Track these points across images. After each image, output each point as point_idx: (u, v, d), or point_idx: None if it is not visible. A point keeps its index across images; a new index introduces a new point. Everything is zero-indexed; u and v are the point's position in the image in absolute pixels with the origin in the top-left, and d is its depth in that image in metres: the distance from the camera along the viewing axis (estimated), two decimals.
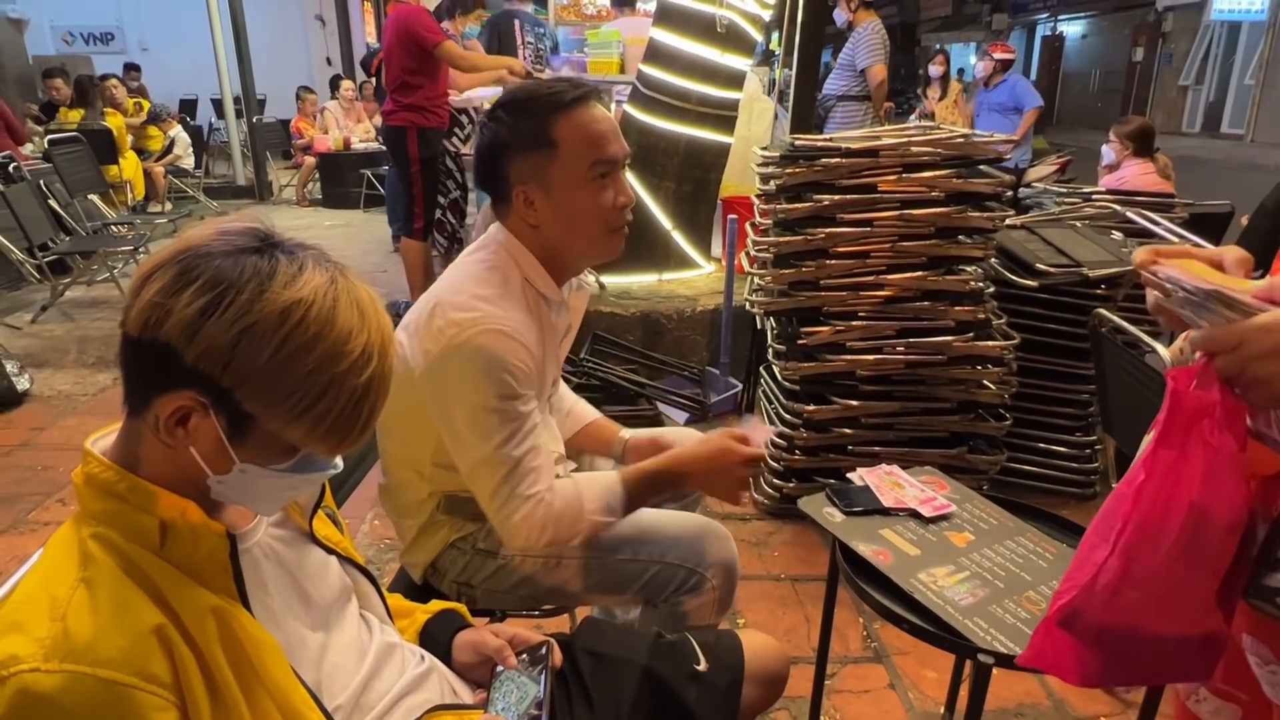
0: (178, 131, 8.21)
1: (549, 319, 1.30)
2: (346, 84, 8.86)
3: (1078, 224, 2.80)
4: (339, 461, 0.81)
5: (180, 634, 0.69)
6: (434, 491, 1.36)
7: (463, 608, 1.14)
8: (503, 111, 1.24)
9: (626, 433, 1.55)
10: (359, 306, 0.73)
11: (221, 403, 0.70)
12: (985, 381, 2.45)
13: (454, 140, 4.75)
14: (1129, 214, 2.77)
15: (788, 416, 2.46)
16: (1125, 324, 1.94)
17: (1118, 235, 2.74)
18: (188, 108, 10.45)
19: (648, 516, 1.37)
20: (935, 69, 6.81)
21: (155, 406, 0.70)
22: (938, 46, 9.36)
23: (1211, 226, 3.17)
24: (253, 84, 8.63)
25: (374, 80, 6.88)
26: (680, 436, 1.53)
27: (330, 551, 0.94)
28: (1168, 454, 0.74)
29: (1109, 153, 4.44)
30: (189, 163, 8.31)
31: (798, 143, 2.44)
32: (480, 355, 1.17)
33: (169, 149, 8.06)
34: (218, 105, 9.75)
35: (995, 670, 1.96)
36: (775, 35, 6.27)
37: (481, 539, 1.37)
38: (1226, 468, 0.72)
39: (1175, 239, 2.59)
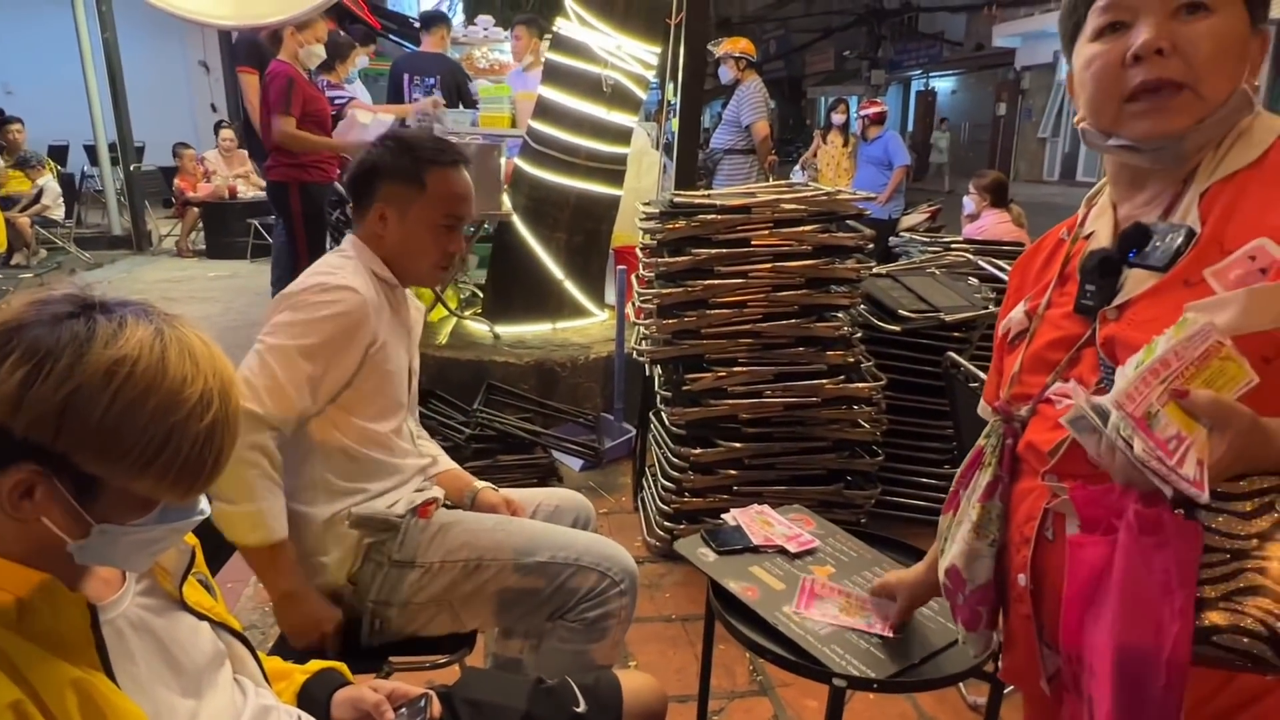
0: (47, 180, 7.78)
1: (396, 303, 1.52)
2: (226, 132, 8.63)
3: (937, 272, 3.04)
4: (205, 507, 0.82)
5: (39, 709, 0.70)
6: (336, 513, 1.43)
7: (342, 666, 1.15)
8: (392, 142, 1.48)
9: (479, 484, 1.68)
10: (191, 354, 0.75)
11: (62, 469, 0.71)
12: (858, 420, 2.61)
13: None
14: (980, 262, 3.02)
15: (676, 460, 2.55)
16: (970, 366, 2.12)
17: (974, 281, 2.98)
18: (58, 154, 9.90)
19: (561, 530, 1.56)
20: (838, 117, 7.24)
21: None
22: (834, 98, 9.94)
23: None
24: (130, 130, 8.27)
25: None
26: (526, 501, 1.67)
27: (202, 617, 0.95)
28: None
29: (969, 203, 4.83)
30: (58, 213, 7.87)
31: (677, 199, 2.58)
32: (312, 293, 1.37)
33: (36, 198, 7.62)
34: (91, 151, 9.29)
35: (871, 695, 2.06)
36: (671, 85, 6.52)
37: (396, 550, 1.44)
38: None
39: None
